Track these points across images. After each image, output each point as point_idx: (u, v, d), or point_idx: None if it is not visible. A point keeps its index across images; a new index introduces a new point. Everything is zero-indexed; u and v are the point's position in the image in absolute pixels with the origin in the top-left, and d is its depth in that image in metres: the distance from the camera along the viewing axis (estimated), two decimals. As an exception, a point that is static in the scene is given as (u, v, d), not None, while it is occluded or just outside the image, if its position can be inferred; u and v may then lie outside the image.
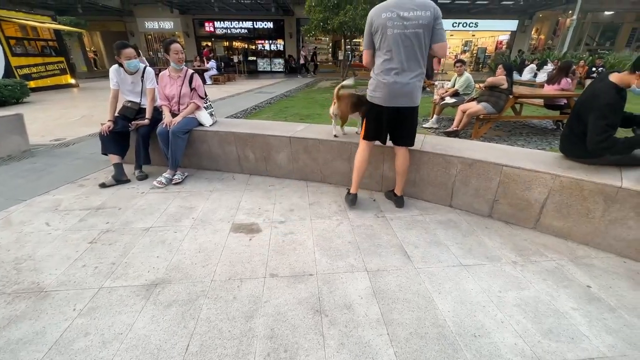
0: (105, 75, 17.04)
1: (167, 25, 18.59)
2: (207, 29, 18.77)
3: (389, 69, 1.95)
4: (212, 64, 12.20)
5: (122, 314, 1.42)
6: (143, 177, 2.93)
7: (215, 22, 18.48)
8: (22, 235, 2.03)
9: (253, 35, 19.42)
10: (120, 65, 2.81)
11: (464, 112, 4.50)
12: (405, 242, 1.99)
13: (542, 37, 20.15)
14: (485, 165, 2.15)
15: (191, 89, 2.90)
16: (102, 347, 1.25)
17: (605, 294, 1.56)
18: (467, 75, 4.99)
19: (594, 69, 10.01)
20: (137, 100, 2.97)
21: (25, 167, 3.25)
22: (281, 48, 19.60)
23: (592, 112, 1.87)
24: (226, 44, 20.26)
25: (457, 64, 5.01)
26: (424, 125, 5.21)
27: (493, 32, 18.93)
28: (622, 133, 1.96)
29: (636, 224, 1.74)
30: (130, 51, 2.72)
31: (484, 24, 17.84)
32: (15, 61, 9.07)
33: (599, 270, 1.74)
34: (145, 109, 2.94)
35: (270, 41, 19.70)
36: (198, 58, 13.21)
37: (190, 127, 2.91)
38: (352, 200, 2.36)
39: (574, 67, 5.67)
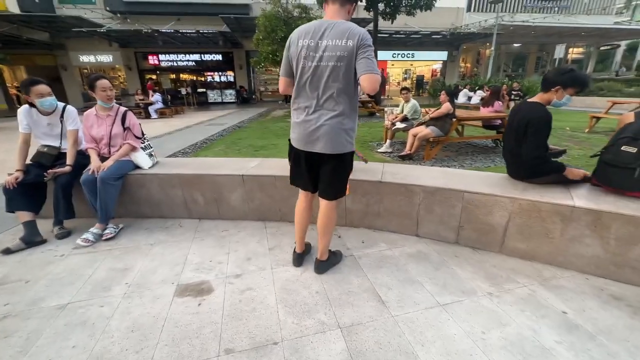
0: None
1: (106, 58, 17.50)
2: (151, 61, 18.04)
3: (302, 107, 1.63)
4: (157, 97, 11.56)
5: None
6: (64, 235, 2.42)
7: (160, 55, 17.88)
8: None
9: (202, 68, 19.12)
10: (32, 105, 2.38)
11: (414, 136, 4.67)
12: (378, 283, 1.82)
13: (469, 65, 22.91)
14: (447, 193, 2.12)
15: (124, 129, 2.55)
16: None
17: (582, 319, 1.53)
18: (413, 101, 5.27)
19: (513, 92, 11.43)
20: (56, 144, 2.52)
21: None
22: (232, 79, 19.51)
23: (528, 128, 1.97)
24: (173, 76, 19.64)
25: (404, 92, 5.29)
26: (378, 150, 5.32)
27: (428, 61, 21.02)
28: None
29: (592, 241, 1.79)
30: (42, 88, 2.31)
31: (419, 54, 19.77)
32: None
33: (569, 291, 1.73)
34: (66, 154, 2.50)
35: (220, 73, 19.55)
36: (140, 91, 12.48)
37: (124, 171, 2.53)
38: (297, 260, 2.00)
39: (504, 91, 6.34)
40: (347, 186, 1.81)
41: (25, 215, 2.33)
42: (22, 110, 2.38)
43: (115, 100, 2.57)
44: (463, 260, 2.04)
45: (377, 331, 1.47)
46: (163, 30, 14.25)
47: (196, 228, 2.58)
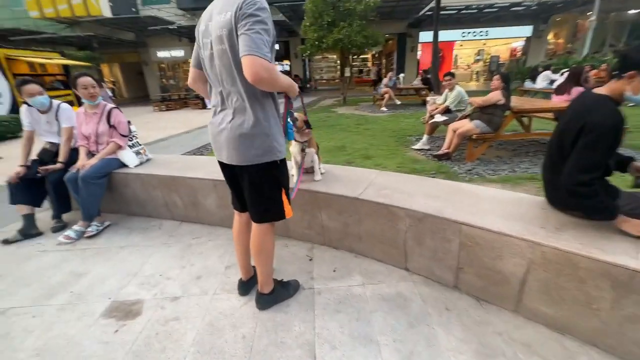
0: (122, 104, 17.82)
1: (178, 53, 19.25)
2: (215, 54, 19.25)
3: (213, 105, 1.34)
4: (212, 88, 12.23)
5: None
6: (59, 229, 2.54)
7: (223, 48, 18.92)
8: None
9: (261, 58, 19.72)
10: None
11: (454, 132, 3.88)
12: (323, 337, 1.41)
13: (561, 40, 18.99)
14: (439, 222, 1.55)
15: (110, 126, 2.53)
16: None
17: None
18: (458, 89, 4.39)
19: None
20: (56, 140, 2.63)
21: (-50, 216, 2.97)
22: (287, 68, 19.71)
23: (582, 134, 1.27)
24: (234, 67, 20.70)
25: (447, 78, 4.43)
26: (413, 147, 4.61)
27: (506, 39, 18.04)
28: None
29: (670, 329, 1.08)
30: (32, 87, 2.39)
31: (494, 32, 17.02)
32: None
33: (612, 405, 1.08)
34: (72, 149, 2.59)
35: (277, 62, 19.90)
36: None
37: (108, 169, 2.52)
38: (241, 288, 1.68)
39: (589, 73, 4.88)
40: (285, 208, 1.41)
41: (24, 209, 2.48)
42: (23, 109, 2.51)
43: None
44: (454, 317, 1.48)
45: (283, 416, 1.09)
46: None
47: (173, 232, 2.46)
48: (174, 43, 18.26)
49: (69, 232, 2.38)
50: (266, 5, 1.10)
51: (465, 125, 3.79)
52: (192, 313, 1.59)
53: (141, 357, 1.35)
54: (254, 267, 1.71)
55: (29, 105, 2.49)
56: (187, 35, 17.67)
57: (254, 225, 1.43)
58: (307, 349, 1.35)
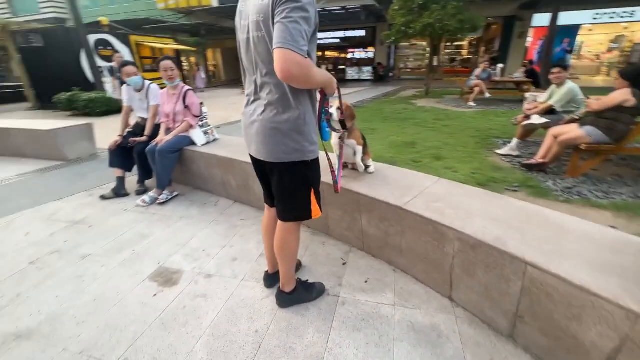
0: (219, 85, 20.06)
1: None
2: (302, 41, 19.82)
3: (246, 94, 1.26)
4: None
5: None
6: (141, 192, 2.95)
7: (310, 34, 19.34)
8: (-2, 243, 2.20)
9: (345, 45, 19.55)
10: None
11: (555, 138, 3.15)
12: (333, 354, 1.29)
13: None
14: (496, 255, 1.23)
15: (185, 107, 2.78)
16: None
17: None
18: (570, 85, 3.50)
19: None
20: (146, 116, 3.04)
21: (76, 170, 3.77)
22: (371, 55, 19.10)
23: None
24: (319, 54, 21.04)
25: (555, 70, 3.57)
26: (498, 151, 3.92)
27: (662, 21, 13.83)
28: None
29: None
30: (130, 69, 2.78)
31: (646, 12, 13.21)
32: (146, 76, 11.39)
33: None
34: (155, 125, 2.98)
35: (362, 49, 19.44)
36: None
37: (180, 146, 2.80)
38: (266, 281, 1.68)
39: None
40: (313, 208, 1.31)
41: (118, 172, 2.96)
42: (123, 87, 2.95)
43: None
44: (499, 376, 1.18)
45: None
46: (312, 10, 15.19)
47: (224, 210, 2.62)
48: (266, 30, 19.43)
49: (145, 197, 2.74)
50: None
51: (573, 131, 3.02)
52: (218, 294, 1.65)
53: (166, 327, 1.45)
54: None
55: (127, 84, 2.91)
56: (279, 22, 18.57)
57: (279, 222, 1.37)
58: (313, 364, 1.26)
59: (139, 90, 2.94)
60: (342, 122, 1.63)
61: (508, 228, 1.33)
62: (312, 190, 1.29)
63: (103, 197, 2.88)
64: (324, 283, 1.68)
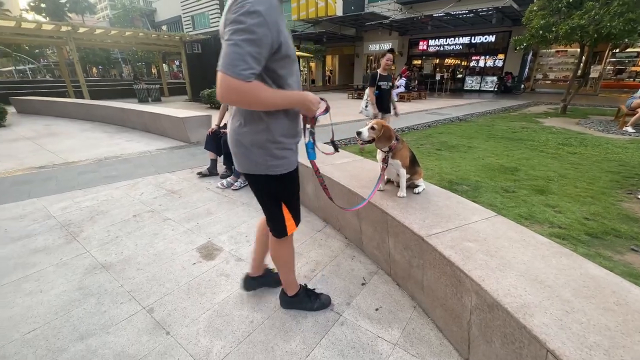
0: (334, 89, 21.38)
1: (386, 46, 20.42)
2: (420, 47, 19.00)
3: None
4: (401, 81, 12.31)
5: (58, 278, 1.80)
6: (225, 176, 3.47)
7: (430, 40, 18.33)
8: (111, 199, 2.99)
9: (469, 52, 17.71)
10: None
11: None
12: (307, 370, 1.25)
13: None
14: (514, 326, 0.93)
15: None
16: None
17: None
18: None
19: None
20: (239, 112, 3.54)
21: (191, 151, 4.71)
22: (500, 64, 16.69)
23: None
24: (437, 61, 19.72)
25: None
26: (640, 197, 2.89)
27: None
28: None
29: None
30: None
31: None
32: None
33: None
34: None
35: (489, 56, 17.21)
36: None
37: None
38: (245, 284, 1.64)
39: None
40: (287, 223, 1.29)
41: (211, 155, 3.56)
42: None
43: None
44: None
45: (218, 415, 1.08)
46: (435, 15, 14.36)
47: (280, 205, 2.81)
48: (384, 37, 19.45)
49: (223, 181, 3.22)
50: (259, 7, 0.88)
51: None
52: (237, 278, 1.81)
53: (189, 292, 1.70)
54: (267, 269, 1.70)
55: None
56: (397, 29, 18.32)
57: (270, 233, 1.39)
58: (284, 372, 1.25)
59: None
60: (333, 143, 1.45)
61: (548, 297, 0.99)
62: (283, 205, 1.26)
63: (200, 174, 3.52)
64: (332, 297, 1.63)
